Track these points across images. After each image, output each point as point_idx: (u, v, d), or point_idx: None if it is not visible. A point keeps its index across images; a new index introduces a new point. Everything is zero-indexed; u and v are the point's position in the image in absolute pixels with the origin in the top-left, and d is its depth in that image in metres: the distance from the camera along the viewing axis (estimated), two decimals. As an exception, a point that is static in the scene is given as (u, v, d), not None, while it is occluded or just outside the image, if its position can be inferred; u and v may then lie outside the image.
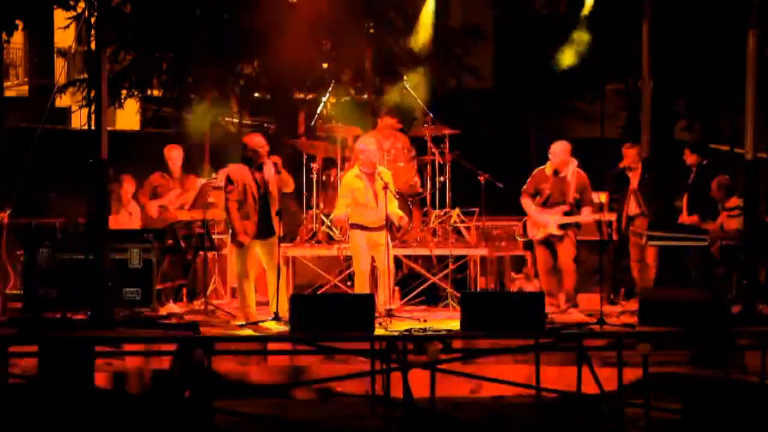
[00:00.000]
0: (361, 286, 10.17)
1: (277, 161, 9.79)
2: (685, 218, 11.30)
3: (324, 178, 11.63)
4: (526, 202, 10.63)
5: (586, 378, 9.03)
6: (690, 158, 11.58)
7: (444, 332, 9.00)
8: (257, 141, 9.78)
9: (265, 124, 17.55)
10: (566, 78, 14.22)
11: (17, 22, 14.54)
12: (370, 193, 10.11)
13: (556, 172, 10.60)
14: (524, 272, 11.51)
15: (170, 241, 10.61)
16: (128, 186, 11.19)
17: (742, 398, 8.81)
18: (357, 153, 10.33)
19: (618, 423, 8.81)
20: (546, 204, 10.58)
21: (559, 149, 10.58)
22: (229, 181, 9.71)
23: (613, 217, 10.79)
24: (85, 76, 15.36)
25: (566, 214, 10.47)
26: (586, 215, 10.45)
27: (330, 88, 12.33)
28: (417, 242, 11.20)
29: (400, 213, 10.27)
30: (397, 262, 11.23)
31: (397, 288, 11.18)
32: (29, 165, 9.70)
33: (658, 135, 13.18)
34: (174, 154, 11.31)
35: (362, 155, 10.21)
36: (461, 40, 15.86)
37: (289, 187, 9.99)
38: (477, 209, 11.43)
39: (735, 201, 10.81)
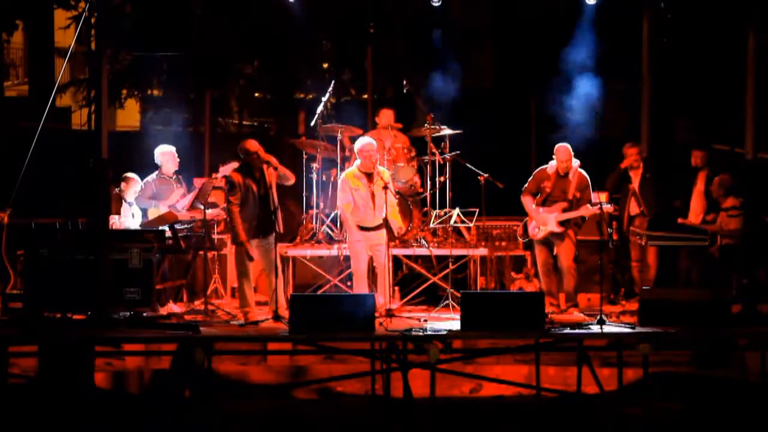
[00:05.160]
0: (361, 286, 10.18)
1: (271, 159, 9.82)
2: (690, 218, 11.30)
3: (324, 178, 11.63)
4: (527, 201, 10.63)
5: (586, 378, 9.04)
6: (698, 159, 11.53)
7: (444, 332, 9.00)
8: (254, 145, 9.86)
9: (266, 125, 17.55)
10: (567, 77, 14.21)
11: (17, 22, 14.54)
12: (369, 193, 10.13)
13: (558, 173, 10.60)
14: (524, 272, 11.50)
15: (170, 241, 10.61)
16: (132, 185, 11.17)
17: (742, 398, 8.82)
18: (357, 153, 10.35)
19: (618, 423, 8.82)
20: (546, 202, 10.58)
21: (566, 153, 10.56)
22: (231, 185, 9.74)
23: (612, 209, 10.78)
24: (86, 76, 15.36)
25: (565, 210, 10.47)
26: (586, 209, 10.43)
27: (330, 88, 12.32)
28: (417, 242, 11.19)
29: (400, 223, 10.30)
30: (397, 262, 11.23)
31: (397, 288, 11.18)
32: (29, 165, 9.71)
33: (658, 134, 13.20)
34: (165, 158, 11.28)
35: (362, 155, 10.22)
36: (461, 39, 15.85)
37: (290, 179, 10.04)
38: (477, 209, 11.42)
39: (732, 201, 10.81)
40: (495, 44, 16.25)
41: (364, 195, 10.15)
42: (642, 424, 8.78)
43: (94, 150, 9.46)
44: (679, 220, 11.15)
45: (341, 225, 11.08)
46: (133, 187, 11.13)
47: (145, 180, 11.27)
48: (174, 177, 11.34)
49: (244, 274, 9.82)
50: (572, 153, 10.61)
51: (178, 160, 11.34)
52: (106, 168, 9.64)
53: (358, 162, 10.30)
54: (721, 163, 11.93)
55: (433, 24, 14.10)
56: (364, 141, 10.42)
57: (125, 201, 11.12)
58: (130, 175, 11.17)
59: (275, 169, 9.83)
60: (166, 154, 11.29)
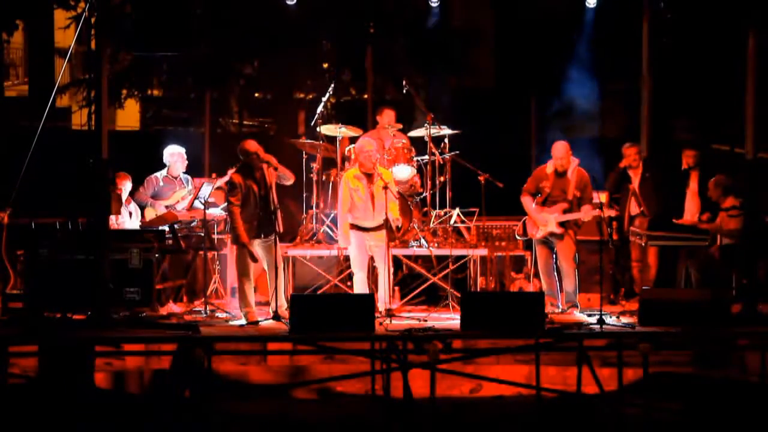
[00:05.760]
0: (361, 286, 10.17)
1: (271, 159, 9.82)
2: (685, 218, 11.30)
3: (324, 178, 11.62)
4: (526, 201, 10.63)
5: (586, 378, 9.03)
6: (690, 159, 11.55)
7: (444, 332, 9.00)
8: (253, 145, 9.85)
9: (266, 125, 17.54)
10: (567, 77, 14.22)
11: (17, 22, 14.54)
12: (369, 193, 10.12)
13: (557, 171, 10.60)
14: (524, 272, 11.50)
15: (170, 241, 10.61)
16: (123, 184, 11.19)
17: (742, 398, 8.81)
18: (357, 153, 10.34)
19: (618, 423, 8.82)
20: (546, 202, 10.58)
21: (562, 150, 10.57)
22: (232, 185, 9.74)
23: (613, 213, 10.78)
24: (86, 76, 15.36)
25: (566, 211, 10.47)
26: (585, 212, 10.43)
27: (330, 88, 12.32)
28: (417, 242, 11.19)
29: (396, 214, 10.28)
30: (397, 262, 11.22)
31: (397, 288, 11.18)
32: (29, 165, 9.72)
33: (657, 134, 13.20)
34: (174, 158, 11.34)
35: (362, 155, 10.22)
36: (462, 39, 15.86)
37: (290, 179, 10.03)
38: (477, 209, 11.42)
39: (731, 201, 10.81)
40: (495, 44, 16.25)
41: (363, 196, 10.14)
42: (642, 424, 8.77)
43: (94, 150, 9.46)
44: (675, 221, 11.15)
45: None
46: (124, 186, 11.17)
47: (149, 177, 11.32)
48: (180, 177, 11.38)
49: (245, 274, 9.81)
50: (570, 151, 10.60)
51: (187, 162, 11.41)
52: (106, 168, 9.64)
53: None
54: (714, 162, 11.94)
55: (433, 24, 14.10)
56: (363, 141, 10.41)
57: (121, 201, 11.14)
58: (121, 173, 11.19)
59: (275, 169, 9.83)
60: (174, 155, 11.35)
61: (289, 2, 12.74)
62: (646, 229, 11.02)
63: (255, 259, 9.75)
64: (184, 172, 11.44)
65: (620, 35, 13.68)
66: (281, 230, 9.90)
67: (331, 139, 11.73)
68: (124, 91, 15.70)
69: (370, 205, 10.13)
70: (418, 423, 8.82)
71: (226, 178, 10.48)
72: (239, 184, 9.73)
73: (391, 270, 10.23)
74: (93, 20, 9.63)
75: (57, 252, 9.73)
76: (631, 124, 14.49)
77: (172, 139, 12.09)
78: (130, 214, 11.24)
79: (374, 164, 10.23)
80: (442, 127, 11.58)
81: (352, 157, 11.03)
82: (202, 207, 10.59)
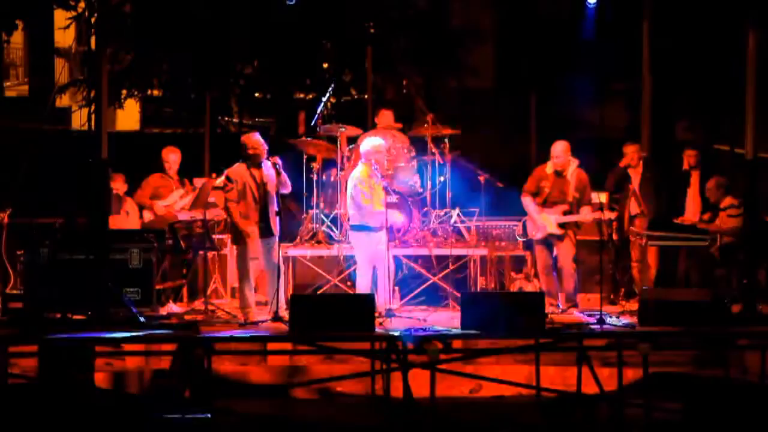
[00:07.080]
0: (362, 287, 10.13)
1: (278, 162, 9.77)
2: (686, 218, 11.31)
3: (324, 178, 11.62)
4: (527, 201, 10.62)
5: (586, 378, 9.04)
6: (690, 159, 11.56)
7: (444, 332, 8.99)
8: (255, 140, 9.78)
9: (266, 125, 17.54)
10: (567, 77, 14.22)
11: (17, 22, 14.55)
12: (382, 192, 10.01)
13: (557, 172, 10.61)
14: (524, 272, 11.49)
15: (170, 241, 10.61)
16: (117, 184, 11.20)
17: (742, 398, 8.81)
18: (370, 154, 10.14)
19: (618, 423, 8.82)
20: (546, 203, 10.58)
21: (560, 149, 10.58)
22: (228, 180, 9.70)
23: (613, 216, 10.80)
24: (86, 76, 15.36)
25: (566, 213, 10.47)
26: (585, 214, 10.44)
27: (330, 88, 12.32)
28: (417, 242, 11.18)
29: None
30: (397, 262, 11.22)
31: (397, 288, 11.17)
32: (29, 165, 9.72)
33: (658, 134, 13.22)
34: (171, 158, 11.36)
35: (378, 155, 10.08)
36: (462, 39, 15.88)
37: (287, 188, 9.96)
38: (477, 209, 11.42)
39: (729, 200, 10.82)
40: (495, 44, 16.27)
41: (381, 196, 10.00)
42: (642, 424, 8.78)
43: (93, 150, 9.46)
44: (675, 221, 11.16)
45: (341, 225, 11.08)
46: (118, 186, 11.20)
47: (147, 178, 11.33)
48: (177, 178, 11.40)
49: (245, 274, 9.80)
50: (569, 151, 10.59)
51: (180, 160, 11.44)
52: (106, 168, 9.64)
53: (363, 161, 10.16)
54: (715, 162, 11.94)
55: (433, 23, 14.12)
56: (376, 142, 10.24)
57: (121, 201, 11.17)
58: (115, 175, 11.22)
59: (279, 173, 9.74)
60: (171, 155, 11.36)
61: (288, 2, 12.73)
62: (646, 229, 11.02)
63: (244, 242, 9.64)
64: (184, 174, 11.46)
65: (620, 35, 13.68)
66: (276, 233, 9.78)
67: (331, 139, 11.72)
68: (124, 91, 15.71)
69: (381, 204, 10.00)
70: (418, 423, 8.82)
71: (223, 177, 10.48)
72: (235, 180, 9.68)
73: (392, 270, 10.21)
74: (93, 20, 9.63)
75: (57, 252, 9.72)
76: (631, 124, 14.50)
77: (172, 139, 12.11)
78: (127, 213, 11.25)
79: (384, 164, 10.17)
80: (442, 127, 11.57)
81: (371, 159, 10.62)
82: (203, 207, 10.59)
